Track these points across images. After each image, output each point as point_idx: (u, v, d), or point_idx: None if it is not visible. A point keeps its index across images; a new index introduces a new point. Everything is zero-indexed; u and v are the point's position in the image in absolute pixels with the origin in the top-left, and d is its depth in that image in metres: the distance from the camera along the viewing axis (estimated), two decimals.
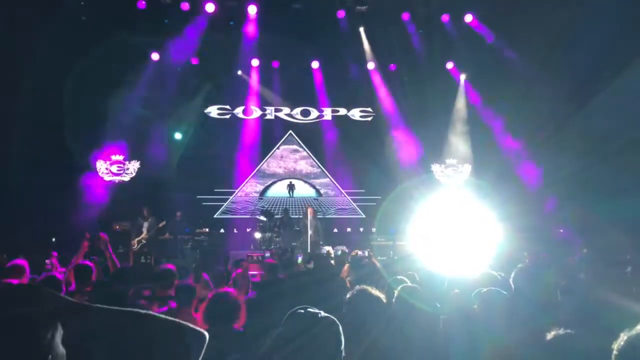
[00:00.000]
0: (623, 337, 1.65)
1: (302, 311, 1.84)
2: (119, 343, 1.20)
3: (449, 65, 13.97)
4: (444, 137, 14.14)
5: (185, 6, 12.19)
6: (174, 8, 12.20)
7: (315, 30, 12.49)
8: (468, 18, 12.78)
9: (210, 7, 12.25)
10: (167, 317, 1.21)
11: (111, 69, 12.43)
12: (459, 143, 13.99)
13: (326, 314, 1.87)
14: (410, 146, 13.66)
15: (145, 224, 11.66)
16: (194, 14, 12.32)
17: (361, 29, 13.28)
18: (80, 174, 12.29)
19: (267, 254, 10.36)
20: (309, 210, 12.60)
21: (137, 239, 11.53)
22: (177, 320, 1.21)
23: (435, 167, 14.37)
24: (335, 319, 1.90)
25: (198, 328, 1.21)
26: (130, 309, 1.20)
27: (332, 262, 8.23)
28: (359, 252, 8.03)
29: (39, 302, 1.07)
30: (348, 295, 2.86)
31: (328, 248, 11.48)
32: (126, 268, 5.58)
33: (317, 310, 1.85)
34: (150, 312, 1.21)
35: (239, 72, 13.88)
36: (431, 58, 13.29)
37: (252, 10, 12.53)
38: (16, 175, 10.79)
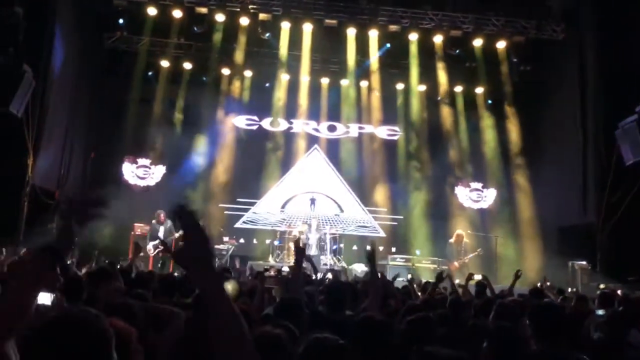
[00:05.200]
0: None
1: (322, 338, 1.81)
2: None
3: None
4: None
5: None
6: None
7: None
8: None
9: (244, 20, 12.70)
10: None
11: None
12: None
13: (343, 341, 1.85)
14: None
15: (162, 229, 11.21)
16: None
17: None
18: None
19: (285, 268, 10.24)
20: (313, 223, 12.38)
21: (152, 244, 11.06)
22: None
23: (460, 190, 14.16)
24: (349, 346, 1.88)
25: None
26: None
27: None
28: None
29: None
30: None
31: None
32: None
33: (335, 337, 1.82)
34: None
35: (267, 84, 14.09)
36: None
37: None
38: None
